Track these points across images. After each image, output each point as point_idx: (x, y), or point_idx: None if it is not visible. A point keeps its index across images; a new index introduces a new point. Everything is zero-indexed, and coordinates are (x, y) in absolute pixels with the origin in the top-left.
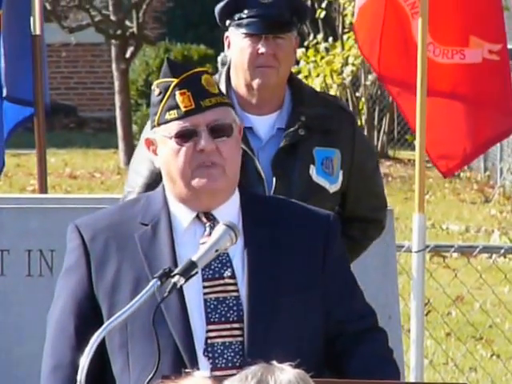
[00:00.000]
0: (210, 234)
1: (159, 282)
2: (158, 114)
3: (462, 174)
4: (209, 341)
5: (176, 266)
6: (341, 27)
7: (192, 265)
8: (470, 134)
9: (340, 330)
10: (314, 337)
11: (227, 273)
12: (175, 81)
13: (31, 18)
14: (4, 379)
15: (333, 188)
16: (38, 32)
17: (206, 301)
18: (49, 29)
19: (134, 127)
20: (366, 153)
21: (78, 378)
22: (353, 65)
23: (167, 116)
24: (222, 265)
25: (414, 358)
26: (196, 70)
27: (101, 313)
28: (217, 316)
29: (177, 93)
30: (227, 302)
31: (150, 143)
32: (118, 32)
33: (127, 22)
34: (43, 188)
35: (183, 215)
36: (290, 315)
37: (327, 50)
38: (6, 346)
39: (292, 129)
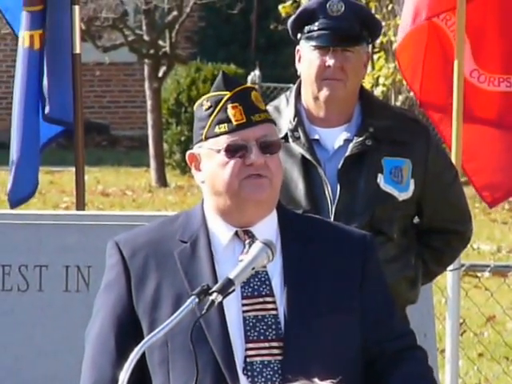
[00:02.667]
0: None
1: (197, 299)
2: (207, 128)
3: None
4: (248, 359)
5: (216, 283)
6: (371, 47)
7: (229, 282)
8: None
9: (379, 349)
10: (352, 356)
11: (266, 291)
12: (228, 94)
13: (71, 37)
14: None
15: (402, 196)
16: (78, 51)
17: (245, 319)
18: (83, 48)
19: (165, 146)
20: (443, 164)
21: None
22: (383, 85)
23: (217, 129)
24: (261, 283)
25: (449, 377)
26: (247, 85)
27: (141, 328)
28: (255, 334)
29: (229, 106)
30: (266, 320)
31: (193, 158)
32: (151, 51)
33: (160, 42)
34: (81, 205)
35: (222, 232)
36: (328, 335)
37: None
38: (43, 361)
39: (359, 139)
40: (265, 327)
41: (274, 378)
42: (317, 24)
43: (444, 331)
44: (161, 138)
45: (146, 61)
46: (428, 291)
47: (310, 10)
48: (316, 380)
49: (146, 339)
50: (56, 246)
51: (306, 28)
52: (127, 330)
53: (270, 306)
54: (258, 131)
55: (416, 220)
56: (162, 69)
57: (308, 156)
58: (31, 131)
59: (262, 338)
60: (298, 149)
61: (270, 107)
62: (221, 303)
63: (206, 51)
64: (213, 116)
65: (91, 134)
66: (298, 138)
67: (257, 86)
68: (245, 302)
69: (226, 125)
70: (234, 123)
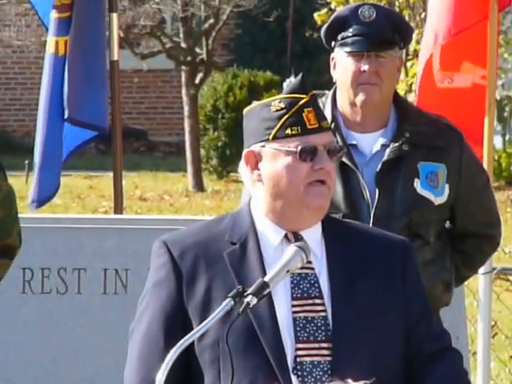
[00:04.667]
0: None
1: (233, 302)
2: (276, 129)
3: None
4: (298, 359)
5: None
6: (404, 54)
7: (264, 285)
8: None
9: (418, 350)
10: (395, 357)
11: (315, 293)
12: (306, 98)
13: (108, 44)
14: None
15: (438, 200)
16: (115, 58)
17: (295, 319)
18: (121, 55)
19: (202, 151)
20: (475, 169)
21: None
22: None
23: (288, 131)
24: (311, 285)
25: (481, 379)
26: (315, 91)
27: (189, 327)
28: (305, 335)
29: (305, 110)
30: (315, 321)
31: (252, 156)
32: (188, 58)
33: (197, 49)
34: (119, 209)
35: (272, 234)
36: (374, 335)
37: None
38: (81, 363)
39: (396, 144)
40: (314, 328)
41: (324, 379)
42: (350, 30)
43: (476, 334)
44: (198, 144)
45: (183, 68)
46: (460, 294)
47: (343, 17)
48: (349, 381)
49: (181, 341)
50: (94, 250)
51: (340, 35)
52: (176, 329)
53: (319, 307)
54: (326, 137)
55: (447, 225)
56: (199, 75)
57: (346, 161)
58: (54, 135)
59: (311, 338)
60: None
61: None
62: (272, 305)
63: (242, 58)
64: (285, 118)
65: (129, 139)
66: (336, 142)
67: (332, 89)
68: (295, 303)
69: (298, 127)
70: (308, 127)
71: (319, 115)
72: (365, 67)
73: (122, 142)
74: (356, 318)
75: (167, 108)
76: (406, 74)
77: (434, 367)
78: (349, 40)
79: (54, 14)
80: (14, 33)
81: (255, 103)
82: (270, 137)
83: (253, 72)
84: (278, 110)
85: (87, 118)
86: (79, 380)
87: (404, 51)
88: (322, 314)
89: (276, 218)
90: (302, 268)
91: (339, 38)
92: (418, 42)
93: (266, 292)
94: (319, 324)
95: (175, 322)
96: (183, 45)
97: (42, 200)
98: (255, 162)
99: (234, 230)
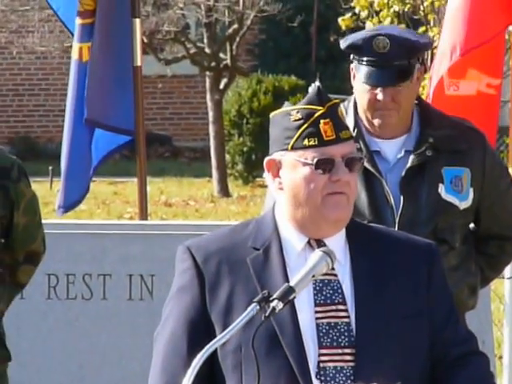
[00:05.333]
0: None
1: (258, 307)
2: (295, 139)
3: None
4: (321, 364)
5: None
6: (430, 58)
7: (290, 290)
8: None
9: (444, 354)
10: (421, 362)
11: (338, 299)
12: (322, 109)
13: (131, 50)
14: None
15: (463, 205)
16: (138, 63)
17: (318, 325)
18: (145, 61)
19: (227, 157)
20: (498, 171)
21: None
22: None
23: (305, 142)
24: (334, 291)
25: (507, 383)
26: (336, 101)
27: (213, 333)
28: (329, 341)
29: (321, 121)
30: (338, 327)
31: (272, 164)
32: (213, 64)
33: (221, 54)
34: (143, 214)
35: (295, 240)
36: (398, 341)
37: None
38: (107, 368)
39: (419, 150)
40: (338, 334)
41: None
42: (365, 59)
43: (502, 338)
44: (223, 149)
45: (208, 73)
46: (486, 298)
47: (357, 46)
48: None
49: (207, 347)
50: (119, 255)
51: (357, 56)
52: (199, 335)
53: (343, 313)
54: (345, 148)
55: (471, 225)
56: (224, 81)
57: (370, 167)
58: (79, 141)
59: (334, 344)
60: None
61: None
62: (294, 310)
63: (266, 63)
64: (302, 128)
65: (154, 145)
66: (359, 149)
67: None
68: (318, 309)
69: (315, 139)
70: (325, 139)
71: (337, 126)
72: (380, 97)
73: (145, 148)
74: (380, 323)
75: (192, 113)
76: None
77: (461, 371)
78: (363, 68)
79: (78, 21)
80: (37, 39)
81: (279, 109)
82: (289, 147)
83: (277, 77)
84: (296, 120)
85: (117, 123)
86: None
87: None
88: (345, 320)
89: (297, 225)
90: (325, 274)
91: (356, 57)
92: None
93: (291, 297)
94: (342, 330)
95: (198, 328)
96: (207, 50)
97: (68, 206)
98: (277, 169)
99: (258, 236)
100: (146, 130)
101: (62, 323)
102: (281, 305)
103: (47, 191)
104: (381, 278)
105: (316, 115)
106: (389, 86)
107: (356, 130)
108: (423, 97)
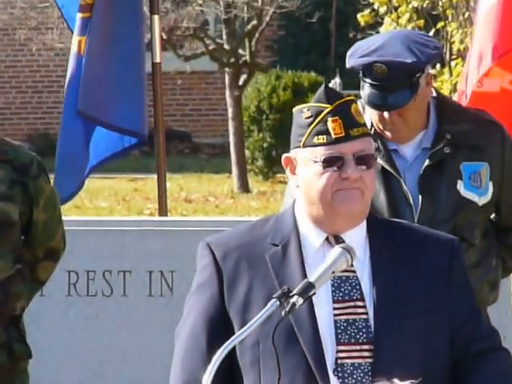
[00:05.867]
0: None
1: (278, 302)
2: (306, 137)
3: None
4: (339, 361)
5: None
6: (448, 54)
7: (310, 286)
8: None
9: (465, 349)
10: (441, 359)
11: (357, 295)
12: (329, 107)
13: (151, 46)
14: None
15: (482, 200)
16: (158, 60)
17: (336, 322)
18: (165, 57)
19: (247, 152)
20: None
21: None
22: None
23: (315, 140)
24: (352, 287)
25: None
26: (348, 98)
27: (232, 329)
28: (346, 337)
29: (329, 119)
30: (357, 323)
31: (289, 161)
32: (232, 60)
33: (240, 51)
34: (163, 211)
35: (313, 237)
36: (417, 337)
37: (435, 76)
38: (127, 365)
39: (437, 147)
40: (356, 330)
41: (364, 380)
42: (367, 80)
43: None
44: (242, 145)
45: (227, 69)
46: (506, 293)
47: (358, 69)
48: (396, 380)
49: (227, 343)
50: (139, 252)
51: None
52: (219, 331)
53: (361, 310)
54: (355, 145)
55: (492, 216)
56: (243, 77)
57: (388, 167)
58: (72, 136)
59: (352, 341)
60: (378, 159)
61: None
62: (312, 307)
63: (285, 59)
64: (312, 126)
65: (173, 141)
66: (377, 148)
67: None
68: (336, 305)
69: (324, 137)
70: (333, 137)
71: (347, 123)
72: (386, 116)
73: (164, 144)
74: (398, 319)
75: (211, 110)
76: (451, 74)
77: (482, 366)
78: (367, 89)
79: (78, 15)
80: (56, 36)
81: (297, 106)
82: (301, 144)
83: (296, 73)
84: (306, 118)
85: (123, 124)
86: (127, 382)
87: (448, 51)
88: (364, 316)
89: (314, 221)
90: (344, 271)
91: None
92: (461, 42)
93: (311, 293)
94: (360, 326)
95: (218, 324)
96: (226, 46)
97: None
98: (293, 167)
99: (277, 232)
100: (165, 126)
101: (82, 320)
102: (301, 300)
103: None
104: (401, 274)
105: (324, 113)
106: (390, 110)
107: (373, 129)
108: (446, 92)
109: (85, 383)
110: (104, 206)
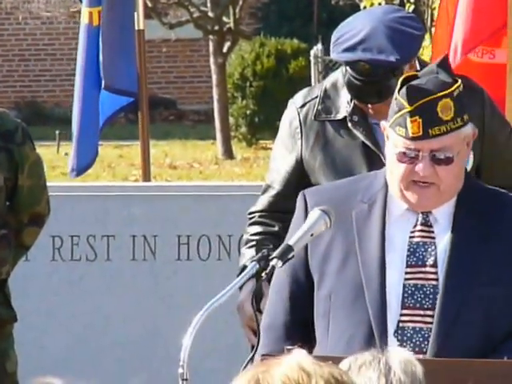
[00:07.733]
0: (422, 223)
1: (258, 265)
2: (392, 121)
3: None
4: (400, 324)
5: (383, 247)
6: (429, 20)
7: (288, 248)
8: None
9: None
10: (502, 333)
11: (430, 261)
12: (408, 108)
13: (135, 14)
14: (108, 359)
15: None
16: (141, 27)
17: (404, 286)
18: (150, 25)
19: (231, 119)
20: (497, 124)
21: (182, 355)
22: None
23: (397, 129)
24: (427, 253)
25: None
26: (434, 96)
27: (312, 281)
28: (412, 302)
29: (408, 119)
30: (424, 289)
31: (385, 128)
32: (216, 28)
33: (224, 18)
34: (147, 176)
35: (399, 201)
36: (483, 307)
37: None
38: (111, 328)
39: None
40: (422, 296)
41: (423, 345)
42: (351, 72)
43: None
44: (226, 112)
45: (211, 37)
46: None
47: (341, 62)
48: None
49: (208, 304)
50: (123, 217)
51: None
52: (301, 281)
53: (432, 276)
54: (433, 144)
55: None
56: (227, 44)
57: (367, 142)
58: (90, 105)
59: (417, 305)
60: (357, 133)
61: (327, 83)
62: (383, 269)
63: (269, 27)
64: (395, 117)
65: (159, 108)
66: (357, 121)
67: (319, 60)
68: (408, 270)
69: (404, 130)
70: (410, 134)
71: (428, 122)
72: (369, 107)
73: (148, 111)
74: (468, 288)
75: (195, 77)
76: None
77: None
78: (349, 78)
79: None
80: (42, 4)
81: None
82: (390, 123)
83: (280, 40)
84: (396, 104)
85: (121, 85)
86: (110, 346)
87: (429, 17)
88: (433, 282)
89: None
90: (423, 237)
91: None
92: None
93: (290, 256)
94: (428, 292)
95: (300, 274)
96: (210, 14)
97: (81, 169)
98: (387, 135)
99: (369, 190)
100: (150, 93)
101: (66, 284)
102: (280, 263)
103: (54, 155)
104: (481, 243)
105: (402, 112)
106: (375, 103)
107: (353, 102)
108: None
109: (69, 347)
110: (89, 172)
